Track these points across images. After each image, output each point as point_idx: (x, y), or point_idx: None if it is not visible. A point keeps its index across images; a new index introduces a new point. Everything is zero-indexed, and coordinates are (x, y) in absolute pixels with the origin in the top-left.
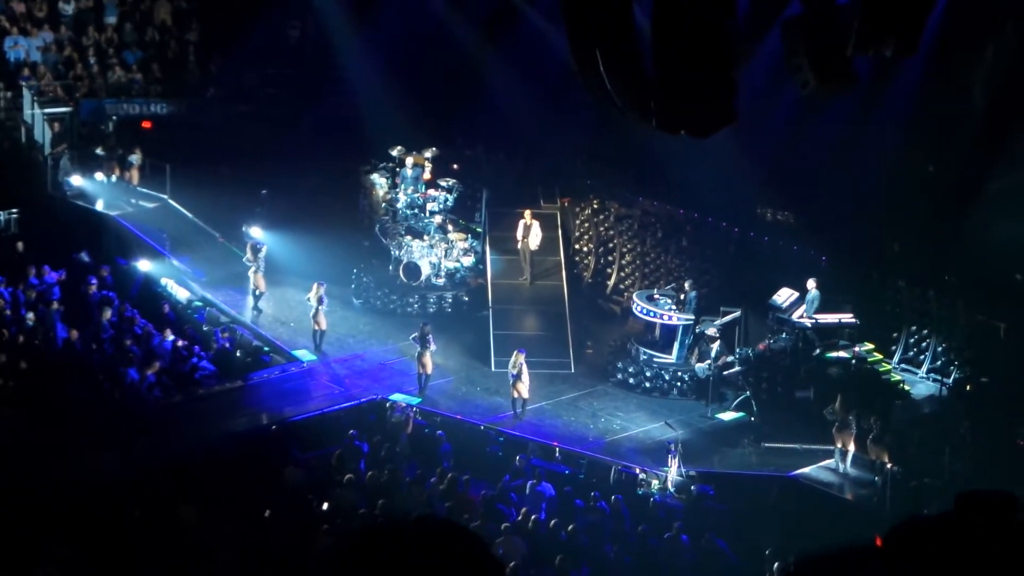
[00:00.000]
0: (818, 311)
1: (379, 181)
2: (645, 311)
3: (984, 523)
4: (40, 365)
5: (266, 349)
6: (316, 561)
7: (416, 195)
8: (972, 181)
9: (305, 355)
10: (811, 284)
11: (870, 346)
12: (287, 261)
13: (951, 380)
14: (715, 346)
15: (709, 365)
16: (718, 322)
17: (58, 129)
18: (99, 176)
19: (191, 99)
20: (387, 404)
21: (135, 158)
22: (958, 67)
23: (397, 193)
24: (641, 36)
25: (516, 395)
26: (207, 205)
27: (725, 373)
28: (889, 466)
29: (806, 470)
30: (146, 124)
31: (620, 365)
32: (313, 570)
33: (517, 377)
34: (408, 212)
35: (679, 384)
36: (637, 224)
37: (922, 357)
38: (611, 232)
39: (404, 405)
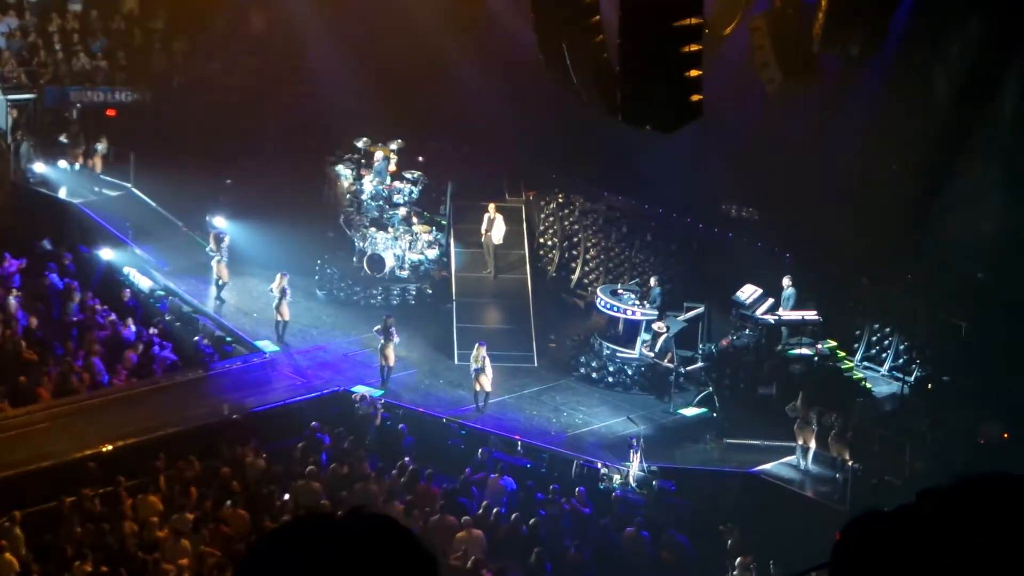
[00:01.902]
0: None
1: (344, 172)
2: (609, 306)
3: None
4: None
5: (228, 339)
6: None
7: (381, 187)
8: (936, 179)
9: (268, 346)
10: (786, 282)
11: (833, 343)
12: (251, 251)
13: (912, 378)
14: (660, 340)
15: (653, 356)
16: (681, 317)
17: (16, 115)
18: (62, 164)
19: (156, 88)
20: (357, 397)
21: (101, 146)
22: (922, 64)
23: (362, 184)
24: (608, 30)
25: (478, 388)
26: (171, 194)
27: (686, 369)
28: (850, 463)
29: (767, 467)
30: (110, 112)
31: (583, 359)
32: (242, 563)
33: (480, 370)
34: (373, 204)
35: (641, 379)
36: (602, 219)
37: (884, 355)
38: (576, 226)
39: (371, 398)
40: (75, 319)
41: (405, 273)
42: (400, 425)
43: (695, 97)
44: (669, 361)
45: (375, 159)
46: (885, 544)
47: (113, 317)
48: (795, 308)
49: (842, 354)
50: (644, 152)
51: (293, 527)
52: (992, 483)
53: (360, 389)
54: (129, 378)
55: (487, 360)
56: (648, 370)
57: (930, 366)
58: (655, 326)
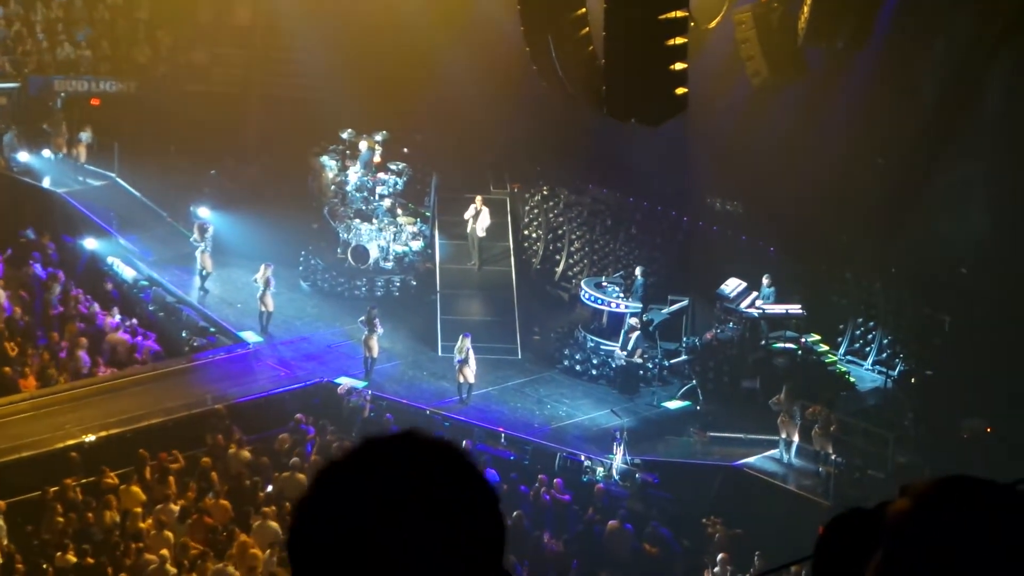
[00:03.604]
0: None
1: (329, 163)
2: (593, 298)
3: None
4: None
5: (212, 330)
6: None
7: (366, 178)
8: (920, 174)
9: (251, 337)
10: (765, 280)
11: (816, 337)
12: (235, 242)
13: (896, 372)
14: (633, 336)
15: (626, 354)
16: (665, 310)
17: (5, 103)
18: (47, 153)
19: (141, 77)
20: (344, 389)
21: (85, 135)
22: (908, 60)
23: (347, 176)
24: (594, 24)
25: (462, 380)
26: (155, 184)
27: (670, 362)
28: (833, 457)
29: (751, 460)
30: (95, 101)
31: (567, 352)
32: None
33: (463, 362)
34: (357, 195)
35: (613, 371)
36: (586, 212)
37: (868, 349)
38: (560, 219)
39: (362, 390)
40: (56, 310)
41: (389, 264)
42: (387, 415)
43: (680, 90)
44: (639, 356)
45: (360, 149)
46: (867, 541)
47: (96, 307)
48: (776, 302)
49: (826, 348)
50: (629, 145)
51: (376, 444)
52: (970, 485)
53: (344, 380)
54: (110, 366)
55: (471, 352)
56: (620, 369)
57: (913, 360)
58: (630, 321)
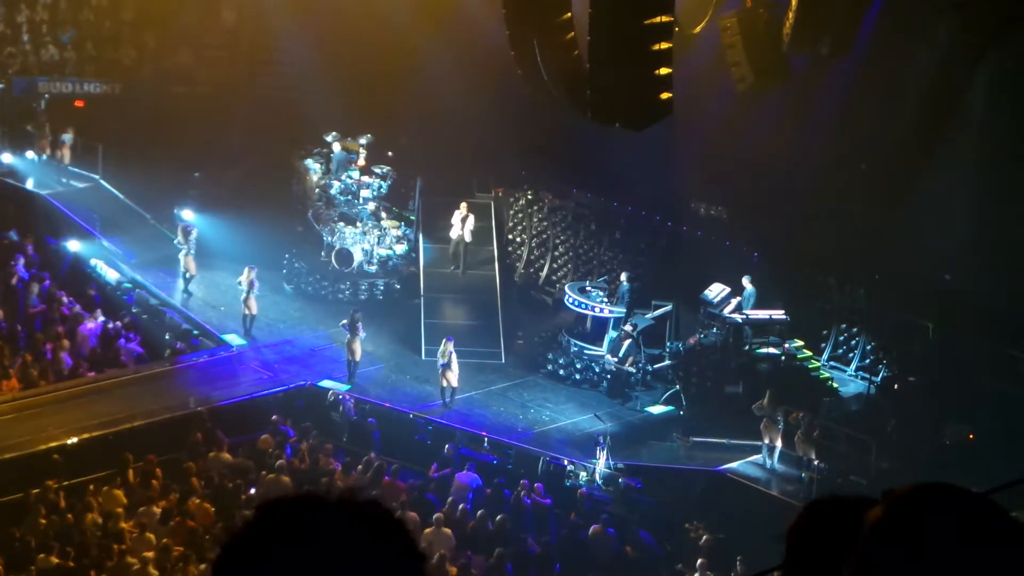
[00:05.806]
0: (753, 307)
1: (313, 166)
2: (577, 303)
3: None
4: None
5: (195, 332)
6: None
7: (350, 181)
8: (903, 180)
9: (234, 339)
10: (745, 281)
11: (800, 343)
12: (219, 244)
13: (879, 378)
14: (625, 344)
15: (617, 360)
16: (649, 315)
17: None
18: (30, 154)
19: (125, 79)
20: (334, 400)
21: (68, 137)
22: (891, 67)
23: (331, 179)
24: (579, 28)
25: (445, 384)
26: (139, 186)
27: (654, 367)
28: (816, 463)
29: (733, 465)
30: (79, 103)
31: (551, 356)
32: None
33: (447, 366)
34: (342, 198)
35: (609, 376)
36: (571, 216)
37: (851, 355)
38: (545, 223)
39: (352, 397)
40: (35, 309)
41: (373, 268)
42: (369, 419)
43: (665, 95)
44: (631, 365)
45: (333, 150)
46: (843, 529)
47: (78, 308)
48: (760, 307)
49: (809, 353)
50: (613, 150)
51: (288, 505)
52: (944, 493)
53: (327, 384)
54: (91, 369)
55: (454, 356)
56: (610, 375)
57: (896, 366)
58: (624, 328)
